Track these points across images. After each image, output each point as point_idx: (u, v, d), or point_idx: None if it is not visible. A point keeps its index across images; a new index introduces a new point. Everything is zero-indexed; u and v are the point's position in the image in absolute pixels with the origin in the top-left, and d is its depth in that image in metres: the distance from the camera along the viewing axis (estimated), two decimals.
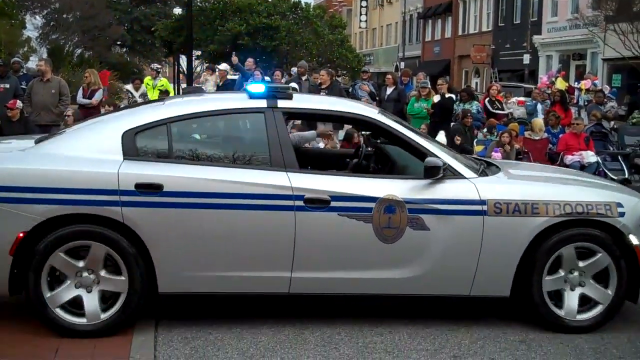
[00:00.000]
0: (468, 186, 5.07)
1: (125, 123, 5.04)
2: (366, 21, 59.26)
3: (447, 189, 5.03)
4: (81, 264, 4.77)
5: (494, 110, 14.07)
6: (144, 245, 4.77)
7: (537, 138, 12.07)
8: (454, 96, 13.24)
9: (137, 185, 4.73)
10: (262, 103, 5.18)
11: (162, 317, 5.22)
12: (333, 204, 4.88)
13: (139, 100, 14.64)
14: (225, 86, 14.82)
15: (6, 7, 40.15)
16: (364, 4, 58.39)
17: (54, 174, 4.73)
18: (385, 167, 5.89)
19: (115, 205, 4.70)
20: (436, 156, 5.08)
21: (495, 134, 12.13)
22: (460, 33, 45.19)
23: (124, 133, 4.92)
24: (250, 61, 15.11)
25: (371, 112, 5.57)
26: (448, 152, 5.45)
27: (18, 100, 11.48)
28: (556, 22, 34.50)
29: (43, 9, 46.89)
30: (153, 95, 15.14)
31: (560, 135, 12.13)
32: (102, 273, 4.80)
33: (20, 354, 4.58)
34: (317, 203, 4.87)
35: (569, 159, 11.32)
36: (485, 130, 12.71)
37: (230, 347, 4.79)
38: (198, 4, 35.39)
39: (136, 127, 4.97)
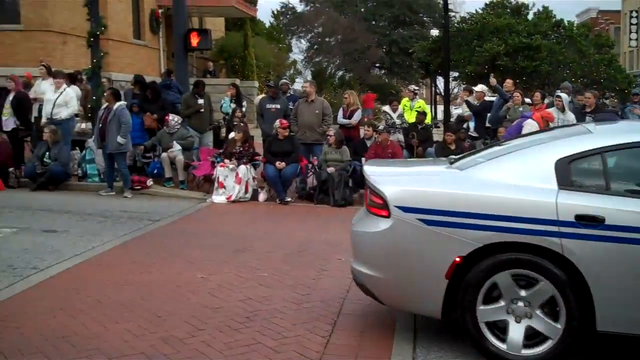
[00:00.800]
0: None
1: (557, 151, 4.90)
2: (637, 39, 55.10)
3: None
4: (522, 293, 4.69)
5: None
6: (582, 280, 4.56)
7: None
8: None
9: (577, 217, 4.55)
10: None
11: (421, 335, 5.30)
12: None
13: (397, 121, 14.94)
14: (483, 108, 14.64)
15: (274, 32, 43.77)
16: (634, 21, 54.38)
17: (489, 200, 4.72)
18: None
19: (554, 235, 4.56)
20: None
21: None
22: None
23: (557, 161, 4.80)
24: (509, 82, 14.72)
25: None
26: None
27: (287, 121, 12.42)
28: None
29: (307, 33, 50.35)
30: (410, 116, 15.37)
31: None
32: (538, 311, 4.70)
33: (287, 350, 4.93)
34: None
35: None
36: None
37: None
38: (455, 25, 35.53)
39: (569, 156, 4.82)
